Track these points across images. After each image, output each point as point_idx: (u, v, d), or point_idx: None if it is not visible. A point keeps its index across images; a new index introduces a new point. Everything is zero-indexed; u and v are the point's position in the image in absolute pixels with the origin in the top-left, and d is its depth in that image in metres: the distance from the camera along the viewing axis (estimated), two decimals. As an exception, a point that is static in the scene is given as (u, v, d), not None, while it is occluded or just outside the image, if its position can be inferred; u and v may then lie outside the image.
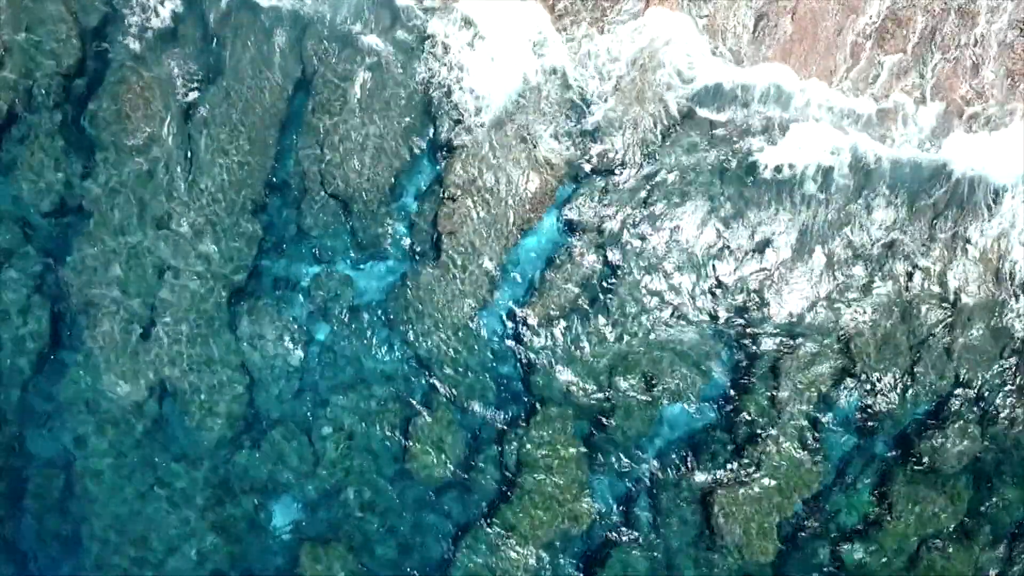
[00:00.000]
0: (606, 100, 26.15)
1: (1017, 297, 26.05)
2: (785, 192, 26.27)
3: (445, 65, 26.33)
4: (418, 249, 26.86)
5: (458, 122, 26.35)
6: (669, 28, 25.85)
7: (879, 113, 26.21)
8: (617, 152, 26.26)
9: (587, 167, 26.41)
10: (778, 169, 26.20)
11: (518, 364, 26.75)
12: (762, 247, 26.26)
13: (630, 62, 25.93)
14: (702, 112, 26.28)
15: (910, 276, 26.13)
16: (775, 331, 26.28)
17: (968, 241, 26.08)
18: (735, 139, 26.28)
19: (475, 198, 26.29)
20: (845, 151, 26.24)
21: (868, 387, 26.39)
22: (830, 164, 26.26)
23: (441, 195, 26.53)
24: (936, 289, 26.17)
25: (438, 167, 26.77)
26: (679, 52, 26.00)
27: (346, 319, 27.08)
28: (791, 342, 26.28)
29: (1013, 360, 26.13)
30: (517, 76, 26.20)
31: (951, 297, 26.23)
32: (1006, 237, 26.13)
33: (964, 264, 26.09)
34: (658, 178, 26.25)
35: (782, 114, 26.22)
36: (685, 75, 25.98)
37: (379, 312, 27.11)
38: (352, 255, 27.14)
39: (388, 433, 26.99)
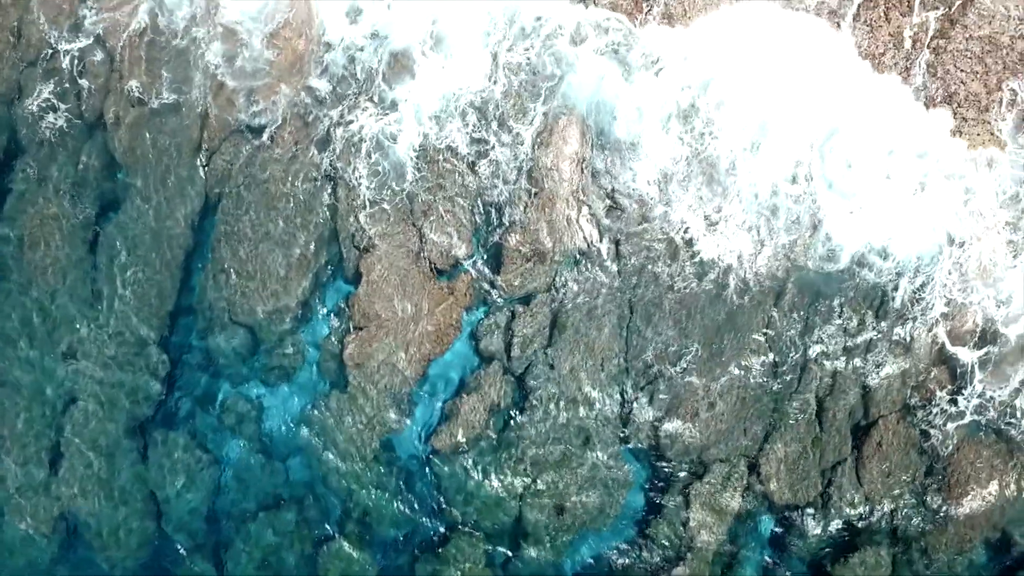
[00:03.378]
0: (516, 208, 25.81)
1: (930, 415, 25.76)
2: (698, 307, 25.91)
3: (349, 180, 25.94)
4: (327, 376, 26.57)
5: (365, 251, 26.01)
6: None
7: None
8: (525, 276, 25.90)
9: (494, 292, 26.04)
10: (691, 279, 25.85)
11: (429, 490, 26.50)
12: (674, 366, 25.93)
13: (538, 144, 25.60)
14: (618, 223, 25.91)
15: (820, 400, 25.87)
16: (686, 454, 26.04)
17: (882, 361, 25.78)
18: (646, 253, 25.93)
19: (380, 329, 25.96)
20: (764, 258, 25.88)
21: (779, 511, 26.15)
22: (745, 274, 25.89)
23: (347, 324, 26.20)
24: (848, 411, 25.88)
25: (346, 292, 26.45)
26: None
27: (256, 444, 26.83)
28: (702, 466, 26.04)
29: (925, 482, 25.88)
30: (418, 177, 25.93)
31: (863, 419, 25.96)
32: (922, 349, 25.82)
33: (878, 385, 25.79)
34: (568, 301, 25.89)
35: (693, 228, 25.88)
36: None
37: (290, 437, 26.83)
38: (262, 381, 26.86)
39: (299, 559, 26.75)
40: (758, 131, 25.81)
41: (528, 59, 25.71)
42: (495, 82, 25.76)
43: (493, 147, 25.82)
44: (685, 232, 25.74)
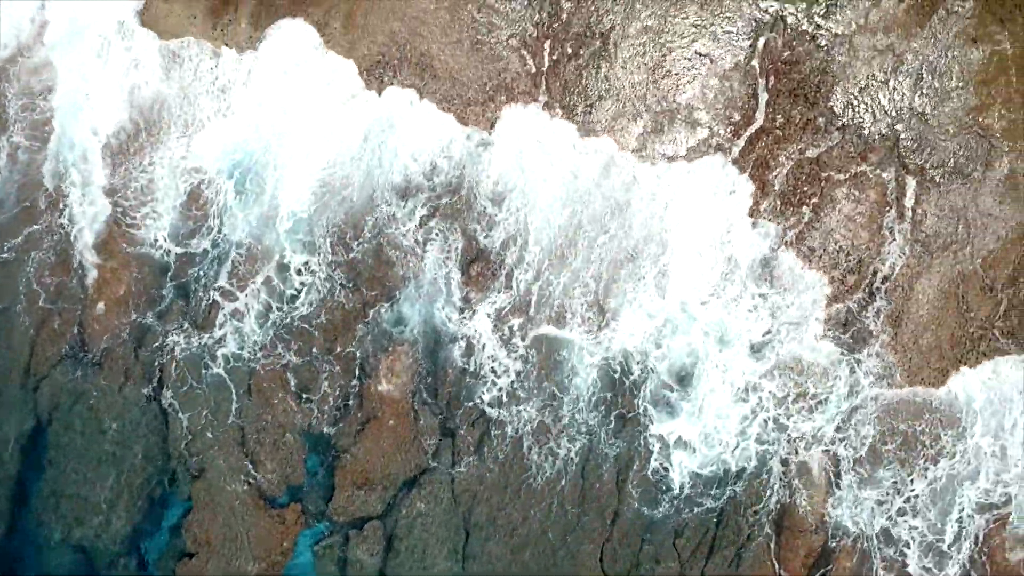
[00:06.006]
0: (346, 438, 25.55)
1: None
2: (532, 534, 25.71)
3: (175, 407, 25.52)
4: (164, 599, 26.31)
5: (195, 477, 25.57)
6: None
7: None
8: (357, 504, 25.58)
9: (327, 519, 25.74)
10: (524, 506, 25.65)
11: None
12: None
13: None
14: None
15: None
16: None
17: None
18: (479, 479, 25.68)
19: (213, 555, 25.62)
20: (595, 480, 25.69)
21: None
22: (572, 506, 25.68)
23: (181, 548, 25.82)
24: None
25: (179, 516, 26.06)
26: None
27: (98, 663, 26.54)
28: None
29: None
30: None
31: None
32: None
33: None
34: (402, 525, 25.60)
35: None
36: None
37: (132, 655, 26.59)
38: (100, 601, 26.52)
39: None
40: (602, 345, 25.49)
41: (362, 264, 25.20)
42: (327, 299, 25.34)
43: (326, 375, 25.40)
44: (521, 448, 25.47)
